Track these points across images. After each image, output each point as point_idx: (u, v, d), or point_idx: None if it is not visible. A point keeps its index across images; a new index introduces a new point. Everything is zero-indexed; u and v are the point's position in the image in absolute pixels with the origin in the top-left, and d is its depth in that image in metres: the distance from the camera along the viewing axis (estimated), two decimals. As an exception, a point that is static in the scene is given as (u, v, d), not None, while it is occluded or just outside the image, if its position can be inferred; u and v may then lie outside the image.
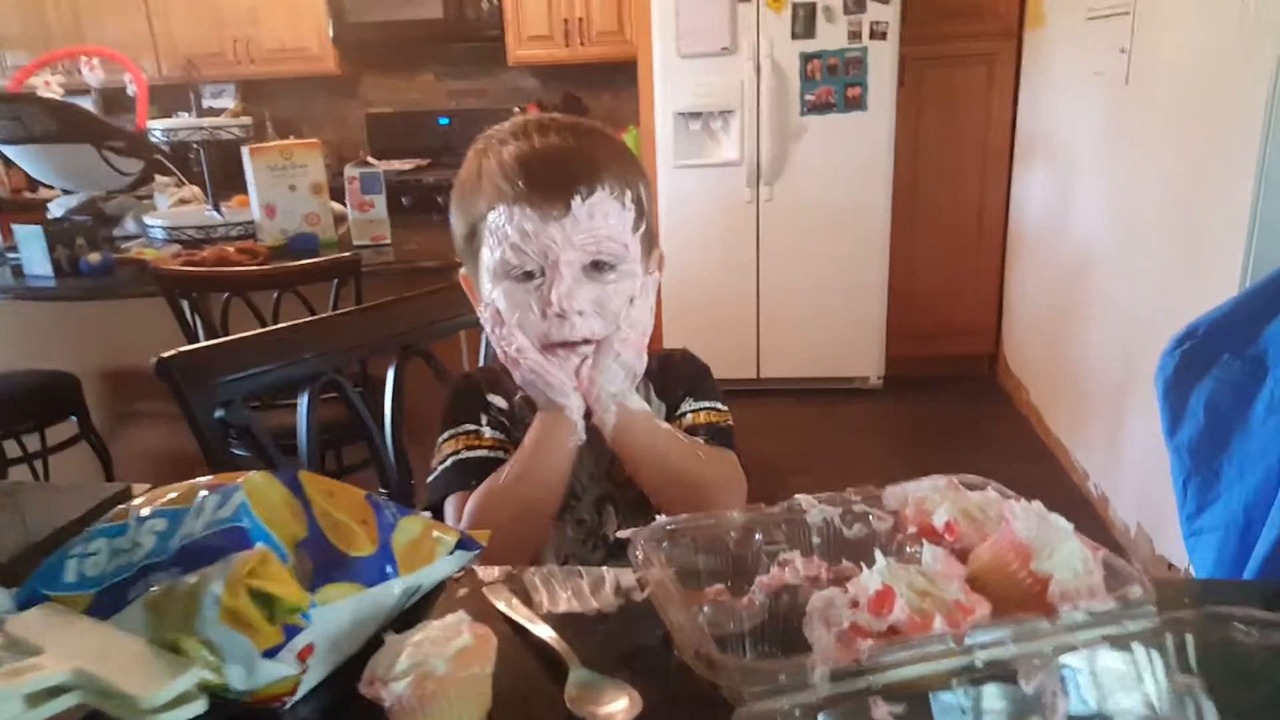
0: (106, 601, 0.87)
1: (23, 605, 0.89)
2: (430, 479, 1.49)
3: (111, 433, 4.06)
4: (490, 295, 1.39)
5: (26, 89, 4.32)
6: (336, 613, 0.89)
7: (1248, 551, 1.79)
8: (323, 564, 0.89)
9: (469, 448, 1.47)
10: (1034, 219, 5.22)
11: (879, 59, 5.10)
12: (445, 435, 1.50)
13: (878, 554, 0.89)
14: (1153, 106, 3.59)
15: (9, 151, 4.12)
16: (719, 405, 1.56)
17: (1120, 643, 0.82)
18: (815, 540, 1.06)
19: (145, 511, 0.92)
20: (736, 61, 5.12)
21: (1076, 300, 4.44)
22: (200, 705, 0.79)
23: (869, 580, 0.85)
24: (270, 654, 0.81)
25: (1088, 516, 4.08)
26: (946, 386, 5.78)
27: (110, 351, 4.01)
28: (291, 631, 0.82)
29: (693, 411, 1.53)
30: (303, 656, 0.84)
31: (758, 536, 1.05)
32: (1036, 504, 0.95)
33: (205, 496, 0.91)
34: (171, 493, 0.94)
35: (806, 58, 5.11)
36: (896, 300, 5.59)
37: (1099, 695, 0.81)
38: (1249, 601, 0.89)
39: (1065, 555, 0.88)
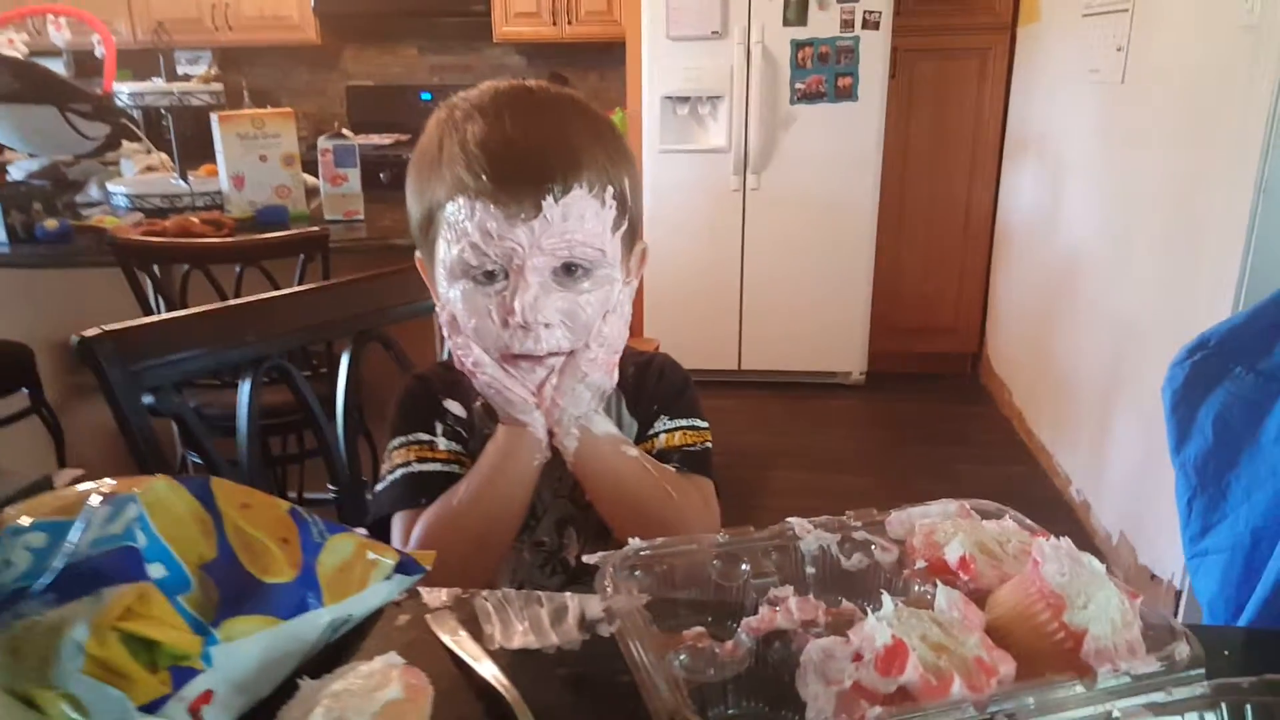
0: (-33, 632, 0.73)
1: None
2: (377, 489, 1.36)
3: (65, 407, 3.90)
4: (446, 294, 1.24)
5: (-11, 47, 4.19)
6: (243, 651, 0.76)
7: (1254, 575, 1.72)
8: (231, 592, 0.76)
9: (421, 459, 1.34)
10: (1023, 218, 5.19)
11: (871, 49, 5.03)
12: (396, 443, 1.37)
13: (885, 598, 0.77)
14: (1149, 107, 3.55)
15: (-31, 111, 3.96)
16: (697, 423, 1.41)
17: (1167, 712, 0.70)
18: (809, 570, 0.94)
19: (24, 522, 0.78)
20: (726, 46, 5.05)
21: (1064, 302, 4.40)
22: None
23: (875, 630, 0.73)
24: (151, 708, 0.68)
25: (1069, 523, 4.04)
26: (929, 385, 5.75)
27: (67, 322, 3.77)
28: (183, 676, 0.69)
29: (666, 432, 1.39)
30: (196, 707, 0.71)
31: (744, 566, 0.92)
32: (1065, 541, 0.83)
33: (93, 509, 0.77)
34: (59, 500, 0.80)
35: (798, 45, 5.04)
36: (881, 296, 5.54)
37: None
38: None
39: (1101, 605, 0.77)
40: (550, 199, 1.13)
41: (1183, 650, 0.74)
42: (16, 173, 4.01)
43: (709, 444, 1.40)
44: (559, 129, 1.20)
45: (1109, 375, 3.79)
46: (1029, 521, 0.94)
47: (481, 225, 1.14)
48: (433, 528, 1.25)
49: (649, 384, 1.43)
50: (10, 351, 3.56)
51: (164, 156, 4.27)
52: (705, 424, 1.42)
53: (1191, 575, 1.85)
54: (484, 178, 1.13)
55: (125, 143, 4.27)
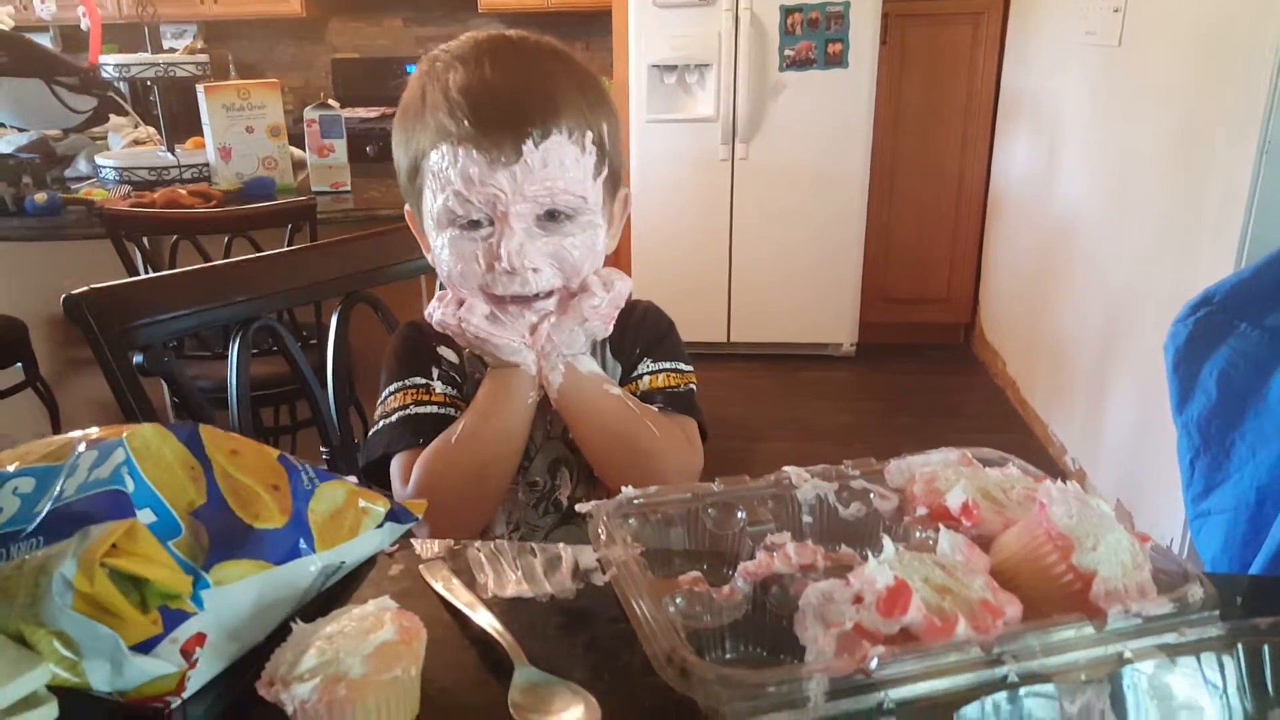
0: (-46, 578, 0.72)
1: None
2: (372, 432, 1.37)
3: (59, 381, 3.94)
4: (435, 243, 1.26)
5: (-27, 21, 4.19)
6: (235, 595, 0.75)
7: (1258, 535, 1.73)
8: (221, 537, 0.74)
9: (418, 402, 1.35)
10: (1016, 185, 5.17)
11: (861, 14, 5.00)
12: (392, 388, 1.38)
13: (886, 541, 0.75)
14: (1147, 70, 3.54)
15: (-45, 85, 3.96)
16: (680, 366, 1.44)
17: (1180, 654, 0.69)
18: (806, 520, 0.92)
19: (10, 468, 0.77)
20: (714, 13, 5.01)
21: (1059, 269, 4.40)
22: (51, 710, 0.65)
23: (877, 572, 0.71)
24: (143, 647, 0.66)
25: (1065, 491, 4.00)
26: (921, 355, 5.74)
27: (59, 296, 3.84)
28: (174, 619, 0.68)
29: (650, 374, 1.41)
30: (189, 649, 0.69)
31: (740, 514, 0.91)
32: (1073, 485, 0.81)
33: (80, 453, 0.76)
34: (47, 446, 0.78)
35: (787, 11, 5.01)
36: (872, 265, 5.53)
37: (1157, 718, 0.67)
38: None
39: (1111, 547, 0.75)
40: (530, 143, 1.17)
41: (1196, 592, 0.73)
42: (4, 146, 4.02)
43: (693, 385, 1.42)
44: (538, 75, 1.23)
45: (1105, 342, 3.79)
46: (1033, 469, 0.93)
47: (464, 172, 1.17)
48: (431, 466, 1.27)
49: (631, 328, 1.44)
50: (4, 325, 3.58)
51: (151, 130, 4.28)
52: (689, 367, 1.44)
53: (1194, 535, 1.85)
54: (465, 123, 1.16)
55: (112, 116, 4.28)
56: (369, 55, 7.09)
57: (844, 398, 5.22)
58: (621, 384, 1.40)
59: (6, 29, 4.06)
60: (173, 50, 6.02)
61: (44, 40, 5.61)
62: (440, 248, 1.24)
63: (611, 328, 1.33)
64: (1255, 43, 2.71)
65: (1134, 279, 3.51)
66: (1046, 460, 4.34)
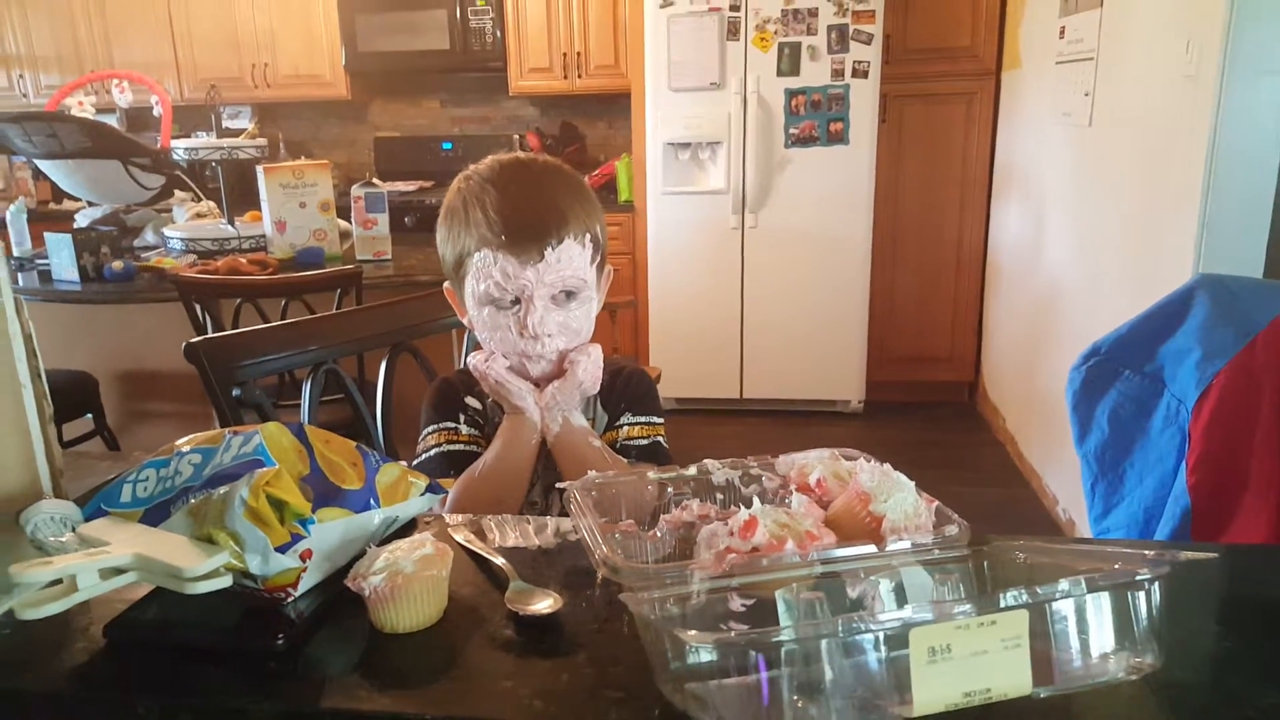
0: (154, 514, 1.12)
1: (89, 517, 1.15)
2: (413, 464, 1.75)
3: (123, 430, 4.32)
4: (475, 314, 1.69)
5: (61, 109, 4.58)
6: (330, 530, 1.13)
7: None
8: (321, 493, 1.14)
9: (449, 441, 1.77)
10: (1010, 251, 5.43)
11: (861, 96, 5.35)
12: (429, 429, 1.79)
13: (755, 498, 1.14)
14: (1111, 147, 3.83)
15: (44, 166, 4.42)
16: (654, 419, 1.83)
17: (931, 564, 1.07)
18: (718, 496, 1.32)
19: (185, 449, 1.18)
20: (724, 96, 5.39)
21: (1047, 329, 4.64)
22: (226, 581, 1.03)
23: (742, 514, 1.10)
24: (281, 550, 1.05)
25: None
26: (926, 412, 5.97)
27: (127, 354, 4.28)
28: (296, 538, 1.07)
29: (629, 425, 1.81)
30: (304, 557, 1.08)
31: (670, 490, 1.31)
32: (886, 466, 1.21)
33: (231, 438, 1.16)
34: (206, 436, 1.20)
35: (791, 93, 5.38)
36: (878, 327, 5.80)
37: (908, 600, 1.05)
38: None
39: (899, 501, 1.14)
40: (549, 249, 1.61)
41: (952, 530, 1.11)
42: (82, 220, 4.40)
43: (660, 437, 1.82)
44: (551, 197, 1.66)
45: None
46: (874, 460, 1.31)
47: (502, 270, 1.61)
48: (460, 493, 1.67)
49: (619, 387, 1.84)
50: (77, 380, 3.96)
51: (211, 204, 4.65)
52: (660, 420, 1.84)
53: (1097, 550, 2.16)
54: (502, 237, 1.60)
55: (176, 191, 4.65)
56: (409, 134, 7.48)
57: (851, 452, 5.39)
58: (606, 430, 1.82)
59: (90, 116, 4.47)
60: (229, 130, 6.46)
61: (110, 121, 6.02)
62: (483, 319, 1.68)
63: (599, 386, 1.75)
64: (1192, 127, 2.98)
65: (1109, 339, 3.72)
66: (1041, 511, 4.58)
